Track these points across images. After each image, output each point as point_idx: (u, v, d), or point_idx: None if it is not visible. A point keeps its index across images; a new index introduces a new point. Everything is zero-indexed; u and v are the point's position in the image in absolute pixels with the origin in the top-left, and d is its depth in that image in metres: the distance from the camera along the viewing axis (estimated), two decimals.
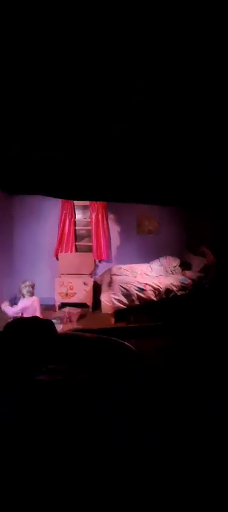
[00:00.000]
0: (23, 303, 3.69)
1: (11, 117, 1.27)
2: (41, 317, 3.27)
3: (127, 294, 4.88)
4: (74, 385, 1.21)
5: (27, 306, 3.67)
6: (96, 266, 6.35)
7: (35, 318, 1.37)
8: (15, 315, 3.61)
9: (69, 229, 6.19)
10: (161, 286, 5.06)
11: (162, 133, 1.27)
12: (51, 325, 1.22)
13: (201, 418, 1.20)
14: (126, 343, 1.27)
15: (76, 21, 1.27)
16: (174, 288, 5.14)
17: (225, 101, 1.24)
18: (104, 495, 1.12)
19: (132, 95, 1.26)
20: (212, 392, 1.24)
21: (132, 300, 4.89)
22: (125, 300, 4.86)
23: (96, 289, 5.71)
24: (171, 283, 5.17)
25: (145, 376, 1.22)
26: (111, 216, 6.34)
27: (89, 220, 6.30)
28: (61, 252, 6.21)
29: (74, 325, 4.89)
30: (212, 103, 1.26)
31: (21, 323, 1.34)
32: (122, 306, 4.84)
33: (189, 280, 5.27)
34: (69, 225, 6.18)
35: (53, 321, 1.45)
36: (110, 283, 5.13)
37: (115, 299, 4.82)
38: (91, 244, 6.30)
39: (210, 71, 1.27)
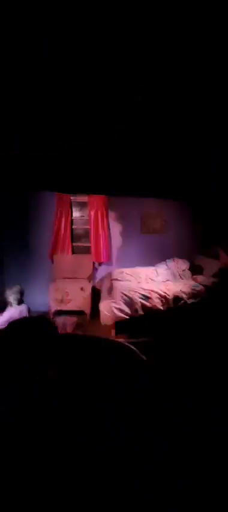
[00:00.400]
0: (9, 313, 3.79)
1: (11, 117, 1.49)
2: None
3: (130, 303, 4.98)
4: (70, 384, 1.42)
5: (15, 315, 3.72)
6: (95, 269, 6.56)
7: (37, 317, 1.59)
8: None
9: (65, 229, 6.40)
10: (168, 293, 5.17)
11: (162, 133, 1.48)
12: (51, 324, 1.43)
13: (201, 418, 1.40)
14: (126, 343, 1.48)
15: (76, 21, 1.52)
16: (184, 296, 5.22)
17: (225, 100, 1.46)
18: (104, 495, 1.32)
19: (132, 95, 1.48)
20: (212, 392, 1.43)
21: (136, 310, 4.99)
22: (127, 310, 4.96)
23: (95, 295, 5.90)
24: (181, 290, 5.25)
25: (145, 376, 1.42)
26: (111, 214, 6.54)
27: (88, 218, 6.51)
28: (56, 253, 6.43)
29: None
30: (211, 103, 1.47)
31: (21, 323, 1.56)
32: (123, 316, 4.94)
33: (201, 286, 5.37)
34: (66, 224, 6.39)
35: None
36: (110, 290, 5.30)
37: (116, 308, 4.92)
38: (89, 245, 6.51)
39: (210, 71, 1.49)
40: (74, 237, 6.61)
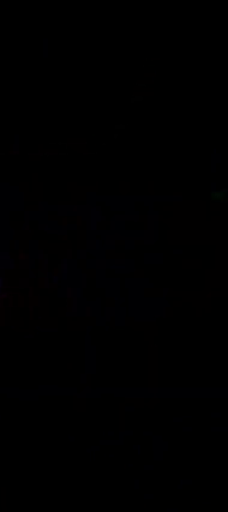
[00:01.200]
0: None
1: (11, 117, 1.54)
2: None
3: None
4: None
5: None
6: None
7: None
8: None
9: None
10: None
11: (162, 133, 1.53)
12: None
13: (201, 418, 1.44)
14: None
15: (76, 22, 1.57)
16: None
17: (224, 100, 1.50)
18: (104, 494, 1.36)
19: (132, 95, 1.53)
20: (212, 391, 1.48)
21: None
22: None
23: None
24: None
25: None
26: None
27: None
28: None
29: None
30: (211, 103, 1.52)
31: None
32: None
33: None
34: None
35: None
36: None
37: None
38: None
39: (210, 71, 1.54)
40: None
